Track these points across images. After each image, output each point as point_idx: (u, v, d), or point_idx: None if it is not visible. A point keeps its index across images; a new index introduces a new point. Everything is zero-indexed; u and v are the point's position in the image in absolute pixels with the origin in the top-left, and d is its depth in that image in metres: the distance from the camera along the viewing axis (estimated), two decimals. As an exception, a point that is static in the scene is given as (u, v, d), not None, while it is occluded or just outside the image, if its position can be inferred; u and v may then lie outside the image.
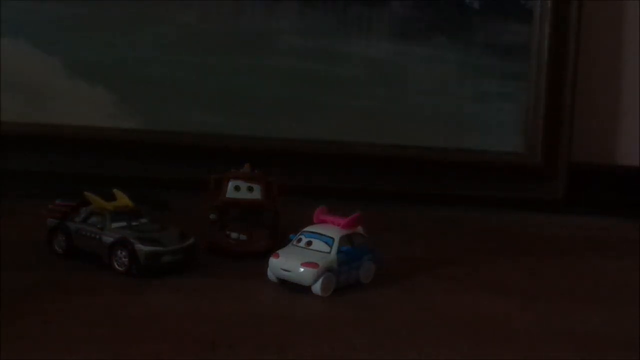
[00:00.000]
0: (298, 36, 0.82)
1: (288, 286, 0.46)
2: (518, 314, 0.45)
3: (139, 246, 0.47)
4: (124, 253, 0.48)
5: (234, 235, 0.54)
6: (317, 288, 0.45)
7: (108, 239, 0.49)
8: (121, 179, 0.60)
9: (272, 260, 0.46)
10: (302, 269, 0.45)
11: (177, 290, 0.45)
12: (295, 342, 0.38)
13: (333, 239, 0.46)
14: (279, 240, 0.51)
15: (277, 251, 0.47)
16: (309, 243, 0.47)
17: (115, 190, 0.53)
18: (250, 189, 0.55)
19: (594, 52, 0.90)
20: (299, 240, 0.47)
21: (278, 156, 0.80)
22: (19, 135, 0.78)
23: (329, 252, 0.46)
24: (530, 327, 0.42)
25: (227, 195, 0.55)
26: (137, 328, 0.38)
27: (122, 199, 0.52)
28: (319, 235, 0.47)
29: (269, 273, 0.47)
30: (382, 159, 0.84)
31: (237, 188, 0.55)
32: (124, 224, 0.50)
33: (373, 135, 0.84)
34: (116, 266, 0.48)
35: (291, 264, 0.45)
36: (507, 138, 0.86)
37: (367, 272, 0.48)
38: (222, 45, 0.82)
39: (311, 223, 0.48)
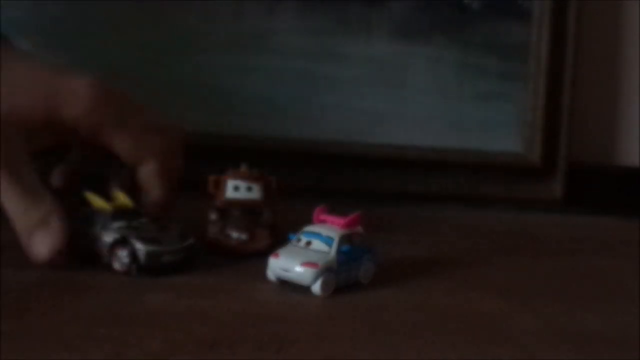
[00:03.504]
0: (298, 36, 0.83)
1: (288, 286, 0.46)
2: (518, 314, 0.45)
3: (139, 246, 0.47)
4: (124, 253, 0.48)
5: (234, 235, 0.54)
6: (316, 288, 0.45)
7: (108, 238, 0.49)
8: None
9: (272, 260, 0.46)
10: (301, 269, 0.45)
11: (177, 290, 0.45)
12: (295, 342, 0.38)
13: (333, 238, 0.46)
14: (279, 240, 0.51)
15: (277, 251, 0.47)
16: (309, 243, 0.47)
17: (115, 191, 0.53)
18: (249, 189, 0.55)
19: (593, 52, 0.90)
20: (299, 240, 0.47)
21: (278, 156, 0.80)
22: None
23: (329, 252, 0.46)
24: (530, 327, 0.42)
25: (227, 196, 0.55)
26: (137, 328, 0.38)
27: (122, 200, 0.52)
28: (319, 235, 0.47)
29: (269, 273, 0.47)
30: (382, 159, 0.84)
31: (236, 188, 0.55)
32: (124, 223, 0.50)
33: (373, 135, 0.84)
34: (116, 266, 0.48)
35: (291, 263, 0.45)
36: (506, 138, 0.86)
37: (367, 272, 0.48)
38: (222, 45, 0.82)
39: (311, 223, 0.48)
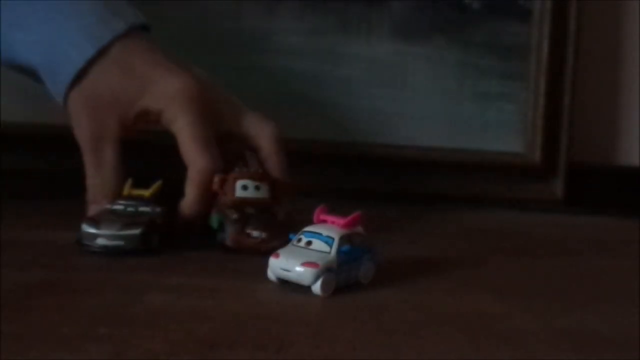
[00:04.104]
0: (298, 36, 0.83)
1: (288, 286, 0.46)
2: (518, 314, 0.45)
3: (82, 225, 0.52)
4: None
5: (255, 234, 0.54)
6: (317, 288, 0.45)
7: None
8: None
9: (272, 260, 0.46)
10: (302, 269, 0.45)
11: (177, 290, 0.45)
12: (295, 342, 0.38)
13: (333, 238, 0.46)
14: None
15: (277, 251, 0.47)
16: (309, 243, 0.47)
17: (157, 183, 0.56)
18: (257, 188, 0.56)
19: (593, 52, 0.90)
20: (299, 240, 0.47)
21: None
22: (19, 135, 0.78)
23: (329, 252, 0.46)
24: (530, 327, 0.42)
25: (237, 195, 0.55)
26: (137, 328, 0.38)
27: (148, 190, 0.56)
28: (319, 235, 0.47)
29: (269, 273, 0.47)
30: (382, 159, 0.84)
31: (244, 187, 0.55)
32: (119, 207, 0.54)
33: (373, 135, 0.84)
34: None
35: (291, 263, 0.45)
36: (506, 138, 0.86)
37: (367, 272, 0.48)
38: (222, 45, 0.82)
39: (311, 223, 0.48)
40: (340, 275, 0.46)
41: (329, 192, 0.80)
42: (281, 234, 0.53)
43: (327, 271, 0.45)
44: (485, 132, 0.85)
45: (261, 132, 0.61)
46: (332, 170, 0.83)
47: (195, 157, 0.56)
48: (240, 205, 0.55)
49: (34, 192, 0.74)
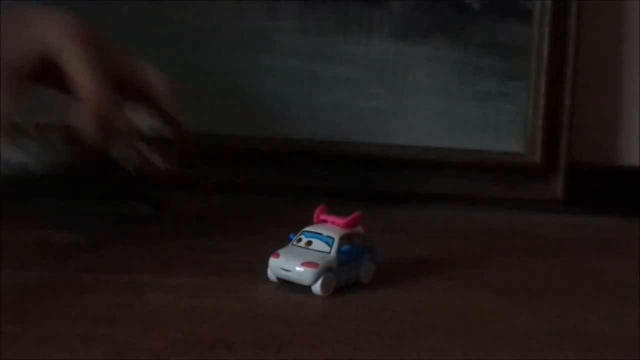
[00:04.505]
0: (298, 36, 0.83)
1: (288, 286, 0.46)
2: (518, 314, 0.45)
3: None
4: None
5: (156, 160, 0.59)
6: (317, 288, 0.45)
7: None
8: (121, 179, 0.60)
9: (272, 260, 0.46)
10: (302, 269, 0.45)
11: (177, 290, 0.45)
12: (295, 342, 0.38)
13: (333, 238, 0.46)
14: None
15: (277, 251, 0.47)
16: (309, 243, 0.47)
17: None
18: (157, 124, 0.59)
19: (593, 52, 0.90)
20: (299, 240, 0.47)
21: (278, 156, 0.80)
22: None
23: (329, 252, 0.46)
24: (530, 327, 0.42)
25: (138, 128, 0.58)
26: (137, 328, 0.38)
27: None
28: (319, 235, 0.47)
29: (269, 273, 0.47)
30: (382, 159, 0.84)
31: (145, 122, 0.59)
32: None
33: (373, 135, 0.84)
34: None
35: (291, 263, 0.45)
36: (506, 138, 0.86)
37: (367, 272, 0.48)
38: (222, 45, 0.82)
39: (311, 223, 0.48)
40: (340, 275, 0.46)
41: (329, 192, 0.80)
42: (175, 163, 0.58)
43: (327, 271, 0.45)
44: (485, 132, 0.85)
45: (153, 74, 0.61)
46: (332, 170, 0.83)
47: (88, 81, 0.53)
48: (141, 136, 0.58)
49: (33, 192, 0.74)
